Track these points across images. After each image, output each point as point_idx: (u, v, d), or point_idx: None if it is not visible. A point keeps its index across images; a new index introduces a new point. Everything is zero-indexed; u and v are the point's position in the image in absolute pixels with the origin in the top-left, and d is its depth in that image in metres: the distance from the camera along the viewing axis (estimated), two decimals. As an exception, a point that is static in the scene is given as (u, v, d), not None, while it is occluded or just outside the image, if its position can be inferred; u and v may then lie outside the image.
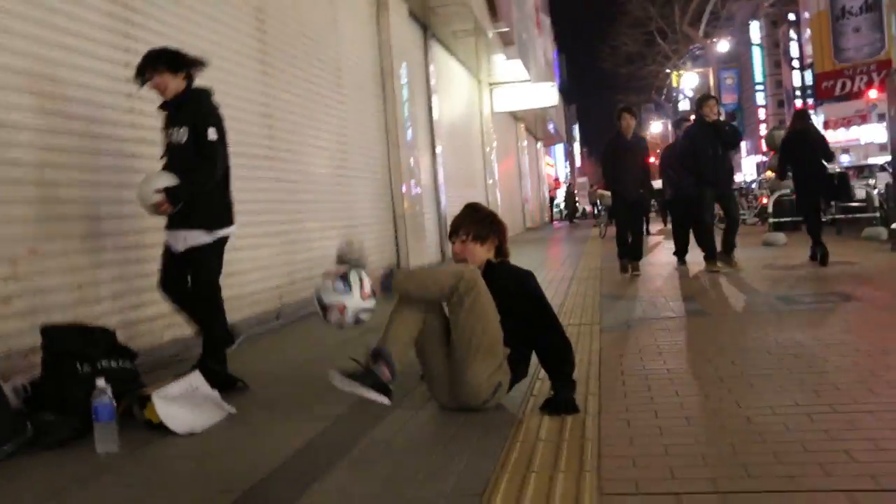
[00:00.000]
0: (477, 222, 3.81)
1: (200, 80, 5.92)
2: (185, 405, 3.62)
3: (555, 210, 44.34)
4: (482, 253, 3.77)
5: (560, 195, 44.28)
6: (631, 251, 9.22)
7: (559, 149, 65.97)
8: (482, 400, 3.47)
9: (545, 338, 3.57)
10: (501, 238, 3.85)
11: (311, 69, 8.55)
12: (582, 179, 58.36)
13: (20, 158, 4.37)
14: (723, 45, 34.38)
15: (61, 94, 4.70)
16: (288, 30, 7.98)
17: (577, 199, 41.28)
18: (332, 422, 3.51)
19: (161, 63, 4.25)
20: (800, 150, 9.07)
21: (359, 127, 10.07)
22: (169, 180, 4.09)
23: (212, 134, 4.19)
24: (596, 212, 38.90)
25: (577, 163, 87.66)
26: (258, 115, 7.18)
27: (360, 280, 3.42)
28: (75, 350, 3.69)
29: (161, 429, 3.50)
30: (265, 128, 7.30)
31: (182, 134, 4.18)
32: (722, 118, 9.55)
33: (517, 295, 3.60)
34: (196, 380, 3.86)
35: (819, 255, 8.59)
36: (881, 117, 25.74)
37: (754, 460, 2.66)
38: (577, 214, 39.18)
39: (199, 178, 4.16)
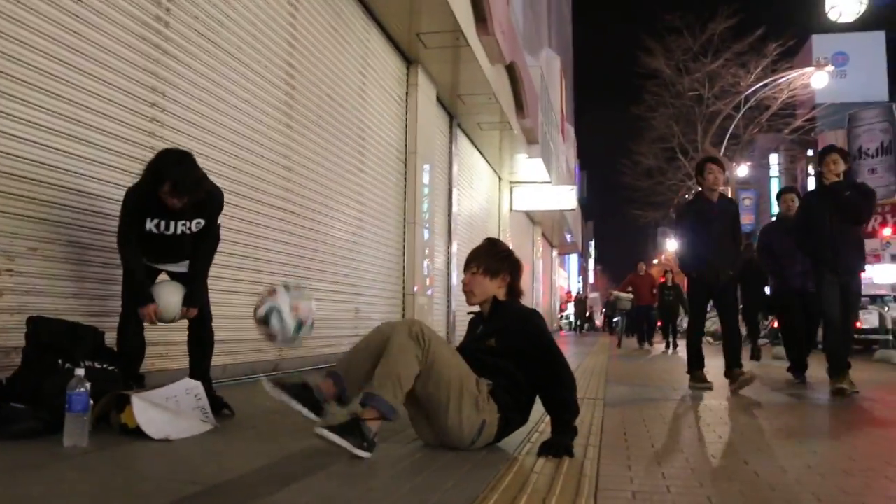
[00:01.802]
0: (491, 256, 3.69)
1: (228, 122, 6.00)
2: (165, 411, 3.45)
3: (563, 321, 43.95)
4: (491, 288, 3.63)
5: (571, 308, 43.98)
6: (730, 355, 6.70)
7: (573, 262, 66.12)
8: (469, 441, 3.27)
9: (550, 379, 3.38)
10: (515, 277, 3.71)
11: (335, 132, 8.60)
12: (594, 294, 58.22)
13: (41, 156, 4.34)
14: (742, 171, 34.79)
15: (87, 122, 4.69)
16: (316, 89, 8.07)
17: (588, 308, 41.03)
18: (315, 442, 3.32)
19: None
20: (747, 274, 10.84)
21: (376, 199, 10.07)
22: (181, 289, 4.18)
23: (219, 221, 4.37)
24: (610, 323, 38.69)
25: (591, 279, 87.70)
26: (278, 166, 7.18)
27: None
28: (59, 345, 3.56)
29: (137, 433, 3.33)
30: (283, 179, 7.29)
31: (197, 225, 4.21)
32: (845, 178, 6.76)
33: (521, 334, 3.44)
34: (191, 387, 3.70)
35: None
36: (894, 257, 25.86)
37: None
38: (586, 325, 38.83)
39: (209, 265, 4.38)
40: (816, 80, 26.29)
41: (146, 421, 3.33)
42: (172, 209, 3.98)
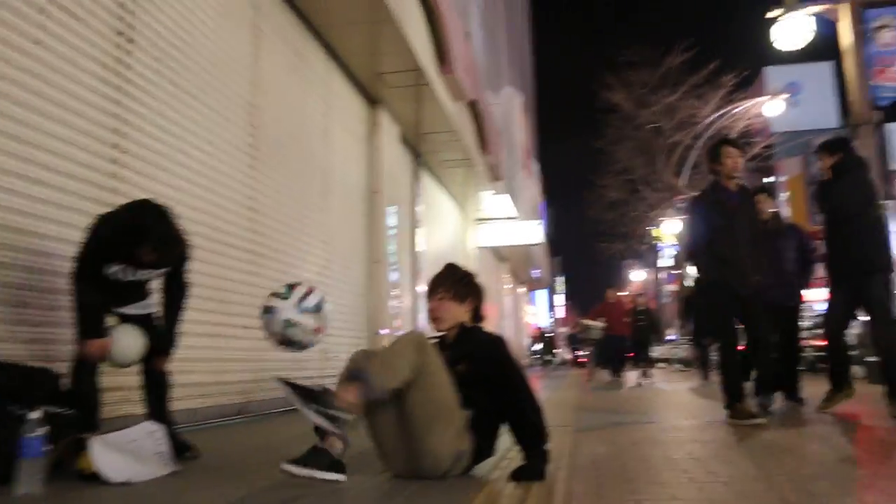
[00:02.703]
0: (456, 282, 3.70)
1: (191, 164, 5.99)
2: (125, 454, 3.39)
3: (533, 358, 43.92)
4: (459, 313, 3.63)
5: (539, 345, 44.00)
6: (761, 380, 6.12)
7: (542, 298, 66.29)
8: (444, 469, 3.25)
9: (516, 404, 3.36)
10: (479, 301, 3.73)
11: (300, 172, 8.62)
12: (563, 329, 58.32)
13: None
14: (704, 200, 35.15)
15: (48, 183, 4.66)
16: (280, 130, 8.09)
17: (554, 345, 41.10)
18: (278, 480, 3.28)
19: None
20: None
21: (342, 239, 10.07)
22: (140, 334, 3.98)
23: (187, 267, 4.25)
24: (575, 357, 38.63)
25: (561, 314, 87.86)
26: (243, 208, 7.17)
27: (306, 295, 3.28)
28: (11, 389, 3.46)
29: (95, 479, 3.25)
30: (249, 220, 7.28)
31: (160, 274, 4.13)
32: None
33: (488, 360, 3.43)
34: (152, 429, 3.64)
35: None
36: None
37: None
38: (553, 359, 38.87)
39: (181, 317, 4.24)
40: (770, 109, 26.80)
41: (105, 464, 3.25)
42: (145, 264, 3.92)
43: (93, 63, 5.11)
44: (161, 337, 4.10)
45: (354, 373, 3.17)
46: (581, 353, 37.45)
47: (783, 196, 41.25)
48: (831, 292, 6.19)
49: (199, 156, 6.42)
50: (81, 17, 5.01)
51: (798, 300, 7.17)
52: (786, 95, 27.37)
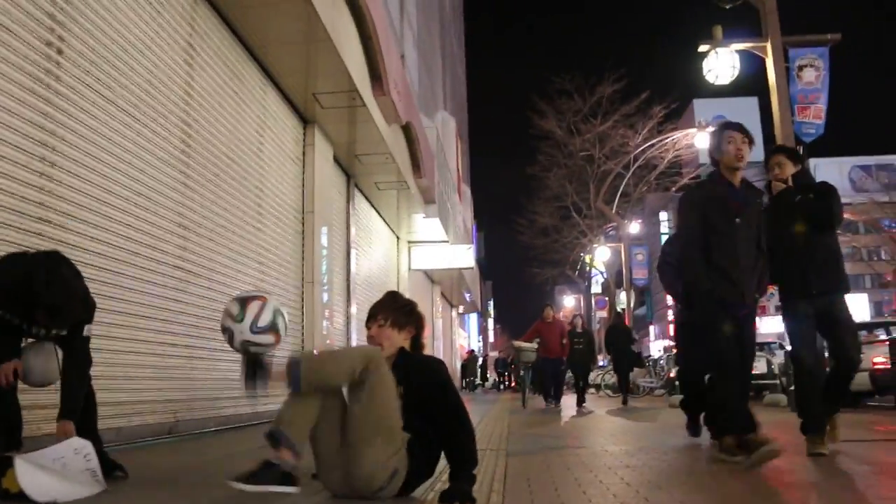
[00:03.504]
0: (396, 309, 3.72)
1: (122, 179, 5.86)
2: (52, 473, 3.28)
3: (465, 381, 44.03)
4: (398, 340, 3.65)
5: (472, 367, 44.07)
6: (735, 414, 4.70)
7: (473, 322, 66.55)
8: (377, 487, 3.25)
9: (451, 427, 3.38)
10: (419, 330, 3.75)
11: (233, 190, 8.53)
12: (494, 353, 58.59)
13: None
14: (633, 228, 35.97)
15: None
16: (213, 147, 7.99)
17: (486, 369, 41.28)
18: (214, 498, 3.22)
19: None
20: (615, 337, 15.40)
21: (276, 258, 9.98)
22: (52, 351, 3.84)
23: (87, 331, 3.96)
24: (502, 381, 38.73)
25: (491, 338, 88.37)
26: (174, 224, 7.05)
27: (259, 314, 3.26)
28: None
29: (20, 498, 3.14)
30: (180, 238, 7.16)
31: (57, 334, 3.88)
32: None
33: (427, 384, 3.45)
34: (80, 446, 3.53)
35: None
36: (778, 308, 27.00)
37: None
38: (483, 384, 39.00)
39: (84, 386, 3.95)
40: (700, 139, 27.54)
41: (30, 484, 3.14)
42: (39, 323, 3.73)
43: (20, 73, 4.98)
44: (63, 400, 3.80)
45: (294, 360, 3.24)
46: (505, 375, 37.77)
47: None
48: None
49: (130, 171, 6.30)
50: (9, 27, 4.89)
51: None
52: (713, 128, 28.18)
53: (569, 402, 15.24)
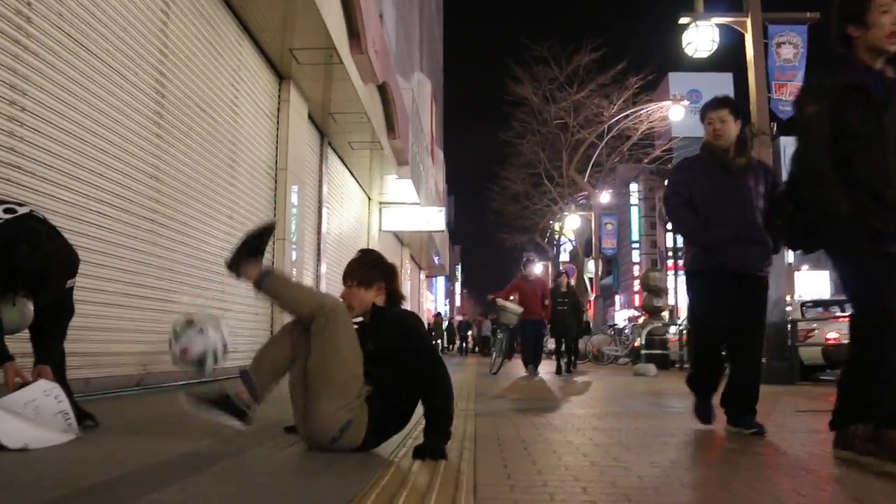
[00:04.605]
0: (362, 267, 3.73)
1: (94, 127, 5.77)
2: (22, 419, 3.26)
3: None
4: (367, 297, 3.66)
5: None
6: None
7: (440, 285, 66.77)
8: (330, 437, 3.29)
9: (427, 380, 3.38)
10: (391, 283, 3.74)
11: (206, 143, 8.42)
12: (460, 317, 58.92)
13: None
14: (604, 197, 36.11)
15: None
16: (187, 99, 7.87)
17: (453, 333, 41.49)
18: (188, 449, 3.23)
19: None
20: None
21: (248, 213, 9.89)
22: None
23: (70, 283, 3.92)
24: (464, 344, 38.83)
25: (458, 302, 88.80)
26: (146, 175, 6.95)
27: (190, 346, 3.43)
28: None
29: (-8, 444, 3.13)
30: (152, 189, 7.07)
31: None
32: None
33: (400, 336, 3.46)
34: (48, 388, 3.51)
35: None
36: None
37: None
38: (447, 346, 39.24)
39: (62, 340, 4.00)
40: (674, 112, 27.74)
41: (2, 429, 3.13)
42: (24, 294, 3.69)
43: (-7, 15, 4.86)
44: (42, 348, 3.84)
45: (265, 269, 3.49)
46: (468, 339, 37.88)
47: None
48: None
49: (102, 119, 6.19)
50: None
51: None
52: (686, 102, 28.33)
53: (548, 369, 14.37)
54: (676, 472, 3.13)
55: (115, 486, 2.56)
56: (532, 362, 12.96)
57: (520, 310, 12.94)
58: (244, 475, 2.79)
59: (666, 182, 4.95)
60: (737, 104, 4.73)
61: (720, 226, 4.46)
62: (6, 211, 3.68)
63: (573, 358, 13.85)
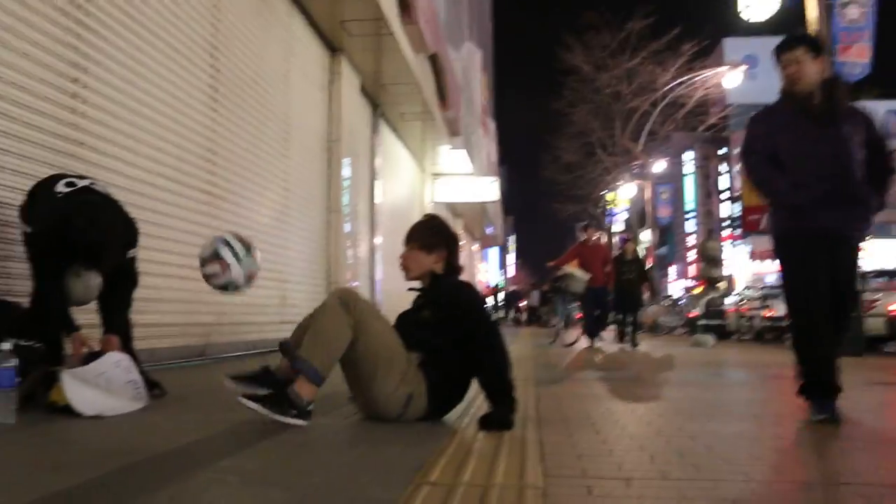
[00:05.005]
0: (426, 230, 3.69)
1: (151, 102, 5.83)
2: (96, 388, 3.35)
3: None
4: (428, 262, 3.60)
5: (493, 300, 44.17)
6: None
7: (494, 256, 66.72)
8: (395, 413, 3.29)
9: (483, 351, 3.33)
10: (452, 251, 3.69)
11: (260, 116, 8.48)
12: (514, 287, 58.84)
13: None
14: (659, 165, 35.55)
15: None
16: (240, 73, 7.92)
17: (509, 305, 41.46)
18: (254, 416, 3.26)
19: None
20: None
21: (301, 186, 9.96)
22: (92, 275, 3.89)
23: (132, 252, 4.11)
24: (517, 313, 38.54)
25: (511, 272, 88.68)
26: (202, 149, 7.03)
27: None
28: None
29: (66, 411, 3.21)
30: (207, 162, 7.14)
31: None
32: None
33: (455, 306, 3.41)
34: (118, 359, 3.58)
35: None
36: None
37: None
38: (503, 316, 39.19)
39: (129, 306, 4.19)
40: (729, 79, 27.07)
41: (77, 397, 3.23)
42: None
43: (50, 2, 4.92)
44: (109, 318, 4.00)
45: (296, 364, 3.15)
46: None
47: (736, 168, 41.66)
48: None
49: (159, 95, 6.26)
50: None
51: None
52: (743, 67, 27.61)
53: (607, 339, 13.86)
54: (743, 443, 3.08)
55: (191, 450, 2.62)
56: (594, 332, 12.42)
57: (588, 276, 12.08)
58: (312, 443, 2.81)
59: (744, 135, 4.21)
60: (816, 39, 4.15)
61: (811, 183, 3.77)
62: (67, 185, 3.76)
63: (637, 330, 12.90)
